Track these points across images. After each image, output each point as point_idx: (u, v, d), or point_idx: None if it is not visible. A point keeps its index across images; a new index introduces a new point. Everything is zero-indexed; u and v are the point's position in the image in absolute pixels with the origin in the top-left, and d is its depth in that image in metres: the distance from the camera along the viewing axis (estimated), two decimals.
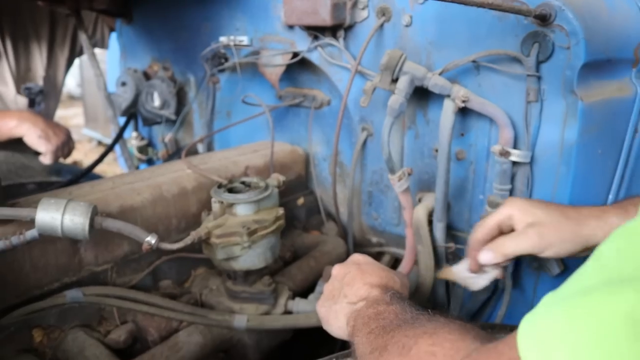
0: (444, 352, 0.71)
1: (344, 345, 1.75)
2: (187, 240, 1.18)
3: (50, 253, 1.23)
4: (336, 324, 1.06)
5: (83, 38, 1.98)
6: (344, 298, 1.05)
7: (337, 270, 1.15)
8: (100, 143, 7.27)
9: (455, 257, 1.56)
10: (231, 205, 1.25)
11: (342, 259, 1.66)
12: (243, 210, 1.25)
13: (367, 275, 1.07)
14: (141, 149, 2.28)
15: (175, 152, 2.14)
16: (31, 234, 1.10)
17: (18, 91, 2.32)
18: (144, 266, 1.40)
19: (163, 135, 2.09)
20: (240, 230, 1.20)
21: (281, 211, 1.30)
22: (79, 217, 1.09)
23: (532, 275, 1.46)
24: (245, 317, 1.24)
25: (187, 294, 1.41)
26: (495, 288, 1.52)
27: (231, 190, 1.30)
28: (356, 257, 1.19)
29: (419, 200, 1.54)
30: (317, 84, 1.82)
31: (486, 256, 1.13)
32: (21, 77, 2.34)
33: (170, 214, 1.44)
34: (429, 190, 1.57)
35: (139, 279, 1.35)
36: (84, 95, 7.22)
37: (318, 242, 1.68)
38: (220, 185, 1.30)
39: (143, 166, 2.35)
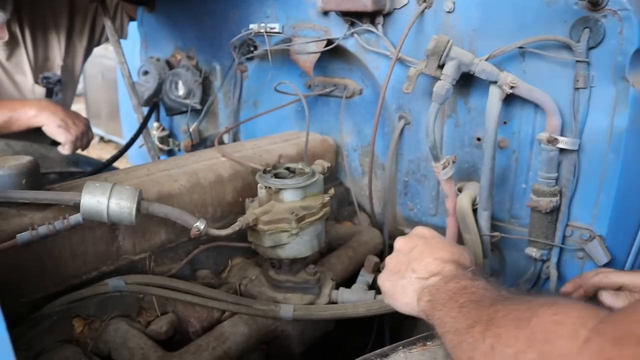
0: (572, 320, 0.65)
1: (378, 338, 1.72)
2: (235, 227, 1.14)
3: (89, 240, 1.19)
4: (403, 300, 1.01)
5: (108, 24, 1.93)
6: (413, 273, 1.01)
7: (401, 243, 1.10)
8: (102, 139, 7.21)
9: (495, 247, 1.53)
10: (278, 191, 1.21)
11: (379, 249, 1.63)
12: (290, 197, 1.21)
13: (437, 250, 1.02)
14: (162, 140, 2.24)
15: (199, 143, 2.09)
16: (75, 218, 1.06)
17: (36, 81, 2.27)
18: (181, 255, 1.36)
19: (188, 125, 2.05)
20: (289, 217, 1.16)
21: (327, 198, 1.26)
22: (126, 201, 1.05)
23: (577, 265, 1.43)
24: (291, 307, 1.20)
25: (226, 284, 1.37)
26: (537, 278, 1.49)
27: (277, 176, 1.26)
28: (421, 230, 1.13)
29: (459, 190, 1.51)
30: (348, 72, 1.79)
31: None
32: (39, 67, 2.30)
33: (206, 202, 1.40)
34: (469, 179, 1.54)
35: (178, 268, 1.31)
36: (86, 92, 7.16)
37: (353, 232, 1.64)
38: (265, 171, 1.26)
39: (164, 157, 2.30)
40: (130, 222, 1.06)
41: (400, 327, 1.78)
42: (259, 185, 1.22)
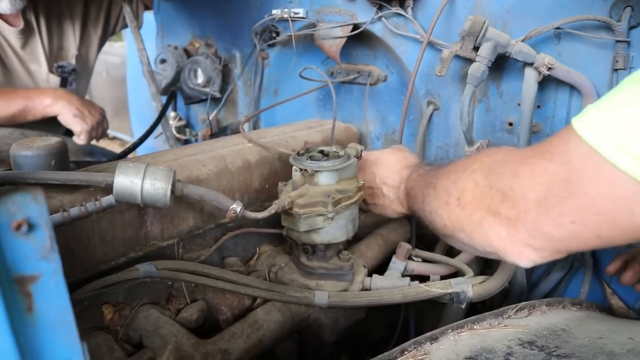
0: (508, 147, 0.95)
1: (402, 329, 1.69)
2: (272, 210, 1.10)
3: (118, 225, 1.15)
4: (391, 208, 1.33)
5: (127, 10, 1.90)
6: (387, 189, 1.32)
7: (370, 156, 1.38)
8: (107, 136, 7.17)
9: None
10: (313, 174, 1.17)
11: (407, 237, 1.60)
12: (325, 180, 1.18)
13: (390, 166, 1.32)
14: (179, 129, 2.20)
15: (218, 132, 2.06)
16: (108, 200, 1.02)
17: (50, 70, 2.24)
18: (209, 242, 1.33)
19: (207, 114, 2.01)
20: (325, 200, 1.13)
21: (362, 181, 1.22)
22: (161, 181, 1.02)
23: (611, 253, 1.39)
24: (325, 293, 1.16)
25: (254, 272, 1.33)
26: (570, 267, 1.46)
27: (310, 159, 1.22)
28: (368, 158, 1.37)
29: None
30: (372, 59, 1.76)
31: None
32: (54, 56, 2.27)
33: (234, 188, 1.37)
34: None
35: (207, 255, 1.28)
36: (90, 88, 7.12)
37: (380, 220, 1.60)
38: (299, 153, 1.22)
39: None
40: (164, 204, 1.02)
41: (424, 317, 1.75)
42: (293, 167, 1.18)
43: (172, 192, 1.03)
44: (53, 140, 1.10)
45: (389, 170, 1.31)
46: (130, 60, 3.97)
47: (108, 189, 1.03)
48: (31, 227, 0.45)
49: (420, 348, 0.88)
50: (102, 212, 1.03)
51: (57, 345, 0.49)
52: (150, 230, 1.21)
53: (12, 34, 2.12)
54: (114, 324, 1.13)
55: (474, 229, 0.95)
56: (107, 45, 5.43)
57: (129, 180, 1.01)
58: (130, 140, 5.94)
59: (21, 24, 2.12)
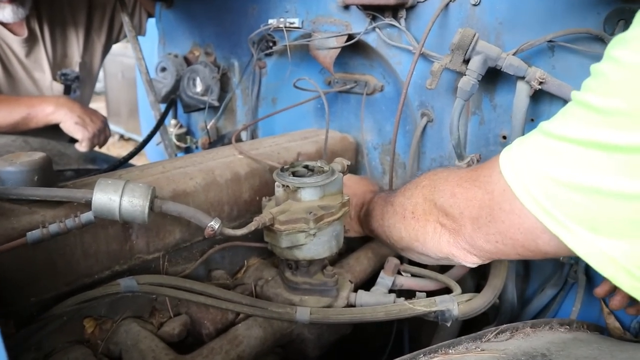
0: (453, 177, 1.04)
1: (396, 341, 1.68)
2: (251, 227, 1.10)
3: (102, 239, 1.15)
4: (351, 225, 1.44)
5: (126, 21, 1.91)
6: (350, 209, 1.39)
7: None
8: (122, 137, 7.24)
9: None
10: (295, 190, 1.16)
11: None
12: (308, 196, 1.17)
13: (355, 190, 1.48)
14: (179, 137, 2.21)
15: (217, 140, 2.06)
16: (87, 216, 1.03)
17: (54, 77, 2.26)
18: (196, 255, 1.33)
19: (205, 122, 2.02)
20: (307, 217, 1.12)
21: (347, 197, 1.21)
22: (138, 199, 1.02)
23: None
24: (308, 309, 1.15)
25: (241, 285, 1.33)
26: (564, 283, 1.43)
27: (294, 174, 1.21)
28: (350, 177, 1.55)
29: None
30: (369, 69, 1.74)
31: None
32: (57, 64, 2.29)
33: (222, 201, 1.36)
34: None
35: (192, 268, 1.28)
36: (106, 90, 7.19)
37: None
38: (282, 169, 1.21)
39: (181, 155, 2.27)
40: (142, 221, 1.02)
41: (420, 330, 1.73)
42: (276, 183, 1.18)
43: (151, 208, 1.03)
44: (37, 155, 1.10)
45: (353, 193, 1.45)
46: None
47: (88, 205, 1.03)
48: None
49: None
50: (82, 228, 1.03)
51: None
52: (135, 244, 1.21)
53: (16, 43, 2.14)
54: (94, 337, 1.13)
55: (427, 238, 1.09)
56: (123, 47, 5.47)
57: (107, 197, 1.01)
58: None
59: (25, 33, 2.14)
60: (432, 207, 1.06)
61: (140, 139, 6.13)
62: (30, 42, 2.18)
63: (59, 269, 1.10)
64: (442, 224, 1.04)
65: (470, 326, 1.38)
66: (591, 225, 0.74)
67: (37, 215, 1.06)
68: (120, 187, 1.01)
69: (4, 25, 2.10)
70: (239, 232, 1.08)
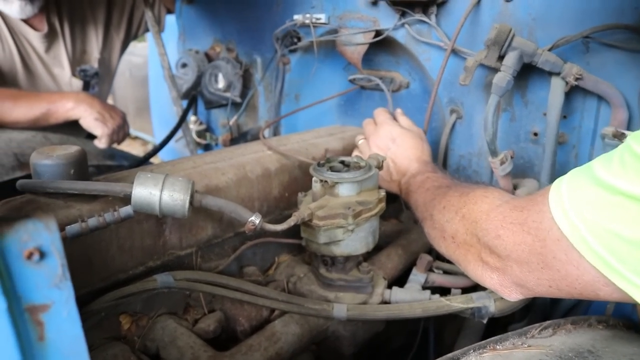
0: (494, 195, 1.01)
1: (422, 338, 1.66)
2: (291, 222, 1.09)
3: (137, 234, 1.14)
4: (386, 182, 1.43)
5: (148, 15, 1.90)
6: (393, 167, 1.41)
7: (374, 140, 1.46)
8: (129, 135, 7.22)
9: None
10: (333, 185, 1.15)
11: (428, 247, 1.57)
12: (346, 191, 1.16)
13: (406, 150, 1.40)
14: (200, 134, 2.20)
15: (239, 137, 2.05)
16: (126, 211, 1.01)
17: (73, 73, 2.25)
18: (228, 251, 1.32)
19: (228, 119, 2.01)
20: (345, 212, 1.11)
21: (383, 193, 1.20)
22: (179, 193, 1.01)
23: None
24: (344, 306, 1.14)
25: (273, 282, 1.32)
26: None
27: (331, 170, 1.20)
28: (388, 129, 1.45)
29: (514, 187, 1.44)
30: (395, 65, 1.73)
31: None
32: (77, 60, 2.28)
33: (253, 196, 1.35)
34: (524, 176, 1.47)
35: (226, 264, 1.27)
36: (114, 88, 7.18)
37: (400, 230, 1.59)
38: (319, 164, 1.20)
39: (200, 152, 2.27)
40: (182, 215, 1.01)
41: (444, 328, 1.72)
42: (313, 178, 1.16)
43: (191, 203, 1.02)
44: (72, 149, 1.09)
45: (403, 153, 1.40)
46: (152, 61, 3.99)
47: (126, 199, 1.02)
48: (43, 255, 0.44)
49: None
50: (120, 222, 1.02)
51: None
52: (168, 240, 1.20)
53: (36, 38, 2.13)
54: (131, 334, 1.12)
55: (468, 267, 1.04)
56: (131, 46, 5.47)
57: (147, 192, 1.00)
58: (152, 140, 5.99)
59: (45, 28, 2.13)
60: (475, 241, 1.00)
61: (149, 137, 6.14)
62: (50, 37, 2.17)
63: (95, 264, 1.09)
64: (484, 261, 0.98)
65: (493, 325, 1.36)
66: None
67: (73, 210, 1.04)
68: (160, 181, 1.00)
69: (25, 20, 2.09)
70: (279, 227, 1.07)
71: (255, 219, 1.03)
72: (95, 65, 2.33)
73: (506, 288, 0.97)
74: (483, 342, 0.92)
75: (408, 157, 1.39)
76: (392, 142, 1.42)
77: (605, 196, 0.73)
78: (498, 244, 0.93)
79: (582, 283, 0.80)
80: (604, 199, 0.73)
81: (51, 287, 0.45)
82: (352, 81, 1.79)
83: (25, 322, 0.44)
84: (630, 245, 0.71)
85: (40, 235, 0.44)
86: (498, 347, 0.93)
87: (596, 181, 0.75)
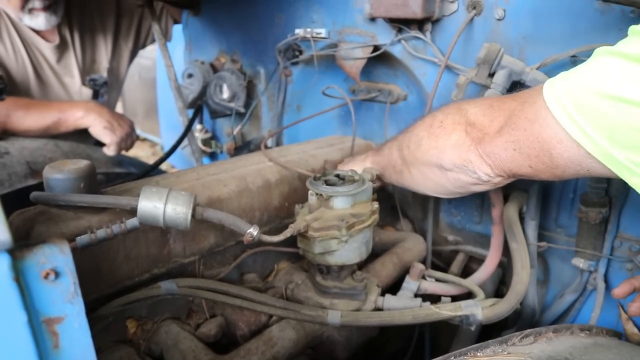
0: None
1: (417, 343, 1.72)
2: (287, 233, 1.15)
3: (142, 243, 1.21)
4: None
5: (155, 28, 1.97)
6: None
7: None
8: (138, 137, 7.29)
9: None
10: (328, 198, 1.22)
11: (423, 256, 1.63)
12: (340, 204, 1.22)
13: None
14: (205, 142, 2.27)
15: (242, 146, 2.12)
16: (132, 222, 1.08)
17: (83, 82, 2.33)
18: (229, 259, 1.38)
19: (232, 128, 2.07)
20: (339, 224, 1.17)
21: (376, 205, 1.27)
22: (182, 206, 1.07)
23: (625, 276, 1.41)
24: (338, 313, 1.21)
25: (272, 288, 1.38)
26: (583, 289, 1.48)
27: (326, 183, 1.27)
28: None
29: (505, 199, 1.50)
30: (393, 78, 1.79)
31: None
32: (86, 69, 2.36)
33: (254, 206, 1.42)
34: (515, 188, 1.53)
35: (227, 272, 1.33)
36: (123, 90, 7.25)
37: (396, 238, 1.65)
38: (315, 178, 1.27)
39: (206, 159, 2.33)
40: (185, 228, 1.08)
41: (439, 333, 1.78)
42: (309, 192, 1.23)
43: (193, 216, 1.09)
44: (82, 163, 1.16)
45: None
46: (160, 65, 4.05)
47: (132, 212, 1.09)
48: (57, 275, 0.51)
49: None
50: (127, 233, 1.09)
51: None
52: (172, 248, 1.27)
53: (48, 49, 2.21)
54: (137, 337, 1.19)
55: (447, 145, 1.13)
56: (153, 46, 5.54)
57: (152, 205, 1.06)
58: (159, 142, 6.07)
59: (57, 40, 2.21)
60: (463, 117, 1.12)
61: (157, 139, 6.22)
62: (61, 48, 2.25)
63: (103, 271, 1.16)
64: (467, 132, 1.09)
65: (489, 330, 1.42)
66: (610, 135, 0.82)
67: (83, 221, 1.11)
68: (164, 195, 1.07)
69: (37, 32, 2.17)
70: (276, 238, 1.14)
71: (253, 231, 1.10)
72: (105, 74, 2.40)
73: (477, 157, 1.07)
74: (464, 349, 0.98)
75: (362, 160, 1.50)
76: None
77: (591, 61, 0.87)
78: (487, 112, 1.07)
79: (541, 141, 0.92)
80: (590, 63, 0.87)
81: (65, 302, 0.52)
82: (352, 92, 1.86)
83: (43, 333, 0.51)
84: (594, 96, 0.81)
85: (55, 257, 0.50)
86: (479, 354, 0.99)
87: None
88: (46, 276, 0.48)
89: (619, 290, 1.30)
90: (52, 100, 2.27)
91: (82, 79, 2.33)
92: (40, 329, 0.50)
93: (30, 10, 2.06)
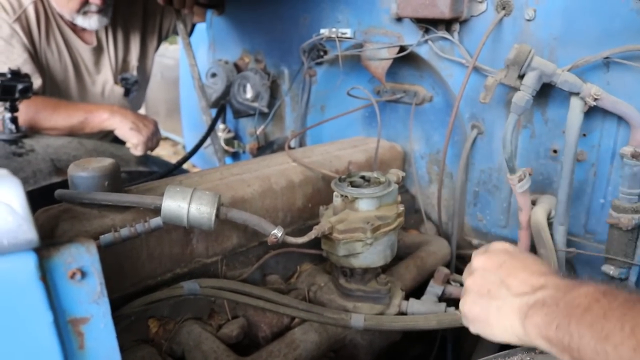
0: None
1: (440, 347, 1.70)
2: (311, 235, 1.14)
3: (165, 243, 1.21)
4: (501, 323, 0.88)
5: (180, 28, 1.99)
6: (508, 291, 0.88)
7: (483, 260, 0.97)
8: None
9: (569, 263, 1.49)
10: (353, 200, 1.20)
11: (447, 260, 1.61)
12: (366, 206, 1.21)
13: (530, 263, 0.92)
14: (228, 142, 2.27)
15: (265, 146, 2.11)
16: (156, 222, 1.08)
17: (115, 81, 2.39)
18: (252, 259, 1.37)
19: (255, 128, 2.07)
20: (364, 226, 1.16)
21: (401, 208, 1.25)
22: (206, 206, 1.06)
23: None
24: (362, 316, 1.19)
25: (295, 290, 1.37)
26: None
27: (351, 185, 1.25)
28: (502, 245, 1.00)
29: (533, 203, 1.47)
30: (419, 79, 1.77)
31: None
32: (118, 69, 2.43)
33: (277, 207, 1.41)
34: (543, 192, 1.50)
35: (249, 272, 1.32)
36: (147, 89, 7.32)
37: (420, 241, 1.63)
38: (340, 179, 1.25)
39: (228, 159, 2.33)
40: (209, 228, 1.07)
41: (462, 338, 1.75)
42: (334, 193, 1.21)
43: (217, 216, 1.08)
44: (106, 161, 1.15)
45: (527, 262, 0.93)
46: (183, 64, 4.07)
47: (156, 211, 1.08)
48: (84, 275, 0.50)
49: None
50: (150, 232, 1.08)
51: None
52: (195, 248, 1.27)
53: (86, 51, 2.31)
54: (158, 337, 1.18)
55: None
56: (162, 48, 5.58)
57: (176, 204, 1.06)
58: (181, 141, 6.10)
59: (94, 42, 2.31)
60: None
61: (179, 138, 6.26)
62: (98, 50, 2.34)
63: (126, 270, 1.15)
64: None
65: None
66: None
67: (107, 219, 1.11)
68: (188, 195, 1.06)
69: (78, 35, 2.23)
70: (300, 240, 1.13)
71: (278, 232, 1.09)
72: (135, 73, 2.46)
73: None
74: (491, 356, 0.96)
75: (537, 270, 0.90)
76: (508, 255, 0.96)
77: None
78: None
79: None
80: None
81: (91, 303, 0.51)
82: (377, 93, 1.84)
83: (69, 333, 0.50)
84: None
85: (82, 257, 0.50)
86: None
87: None
88: (72, 276, 0.48)
89: None
90: (88, 98, 2.36)
91: (114, 78, 2.40)
92: (66, 329, 0.49)
93: (85, 13, 2.15)
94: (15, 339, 0.46)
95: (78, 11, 2.14)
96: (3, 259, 0.46)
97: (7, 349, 0.47)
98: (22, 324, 0.47)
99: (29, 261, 0.46)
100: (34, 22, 2.14)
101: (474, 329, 0.94)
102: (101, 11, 2.16)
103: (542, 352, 1.00)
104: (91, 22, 2.17)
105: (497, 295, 0.89)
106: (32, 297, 0.46)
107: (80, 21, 2.18)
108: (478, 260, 0.98)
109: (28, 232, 0.45)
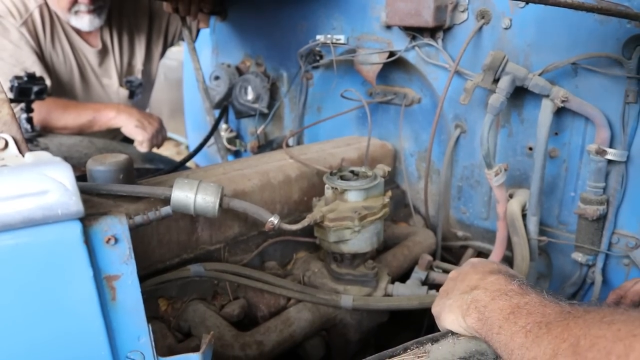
0: None
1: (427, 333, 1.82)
2: (305, 223, 1.27)
3: (173, 231, 1.33)
4: (449, 318, 0.99)
5: (186, 34, 2.11)
6: (456, 291, 1.02)
7: (452, 274, 1.13)
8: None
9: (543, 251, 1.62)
10: (343, 191, 1.33)
11: (432, 249, 1.74)
12: (354, 197, 1.34)
13: (480, 267, 1.04)
14: (230, 141, 2.40)
15: (265, 145, 2.24)
16: (166, 210, 1.20)
17: (120, 84, 2.50)
18: (252, 247, 1.50)
19: (255, 128, 2.20)
20: (352, 215, 1.29)
21: (387, 199, 1.38)
22: (210, 196, 1.19)
23: (622, 271, 1.50)
24: (351, 297, 1.32)
25: (291, 275, 1.50)
26: (582, 282, 1.57)
27: (342, 178, 1.38)
28: (471, 260, 1.15)
29: (510, 196, 1.60)
30: (408, 82, 1.90)
31: None
32: (123, 72, 2.53)
33: (275, 200, 1.54)
34: (519, 186, 1.63)
35: (249, 258, 1.45)
36: None
37: (408, 232, 1.76)
38: (332, 173, 1.38)
39: (230, 157, 2.46)
40: (213, 215, 1.20)
41: None
42: (326, 185, 1.35)
43: (220, 205, 1.21)
44: (121, 157, 1.28)
45: (478, 267, 1.06)
46: (187, 66, 4.19)
47: (166, 201, 1.21)
48: (116, 240, 0.63)
49: (421, 347, 1.00)
50: (161, 220, 1.21)
51: (132, 326, 0.67)
52: (200, 236, 1.40)
53: (91, 54, 2.42)
54: (167, 315, 1.31)
55: None
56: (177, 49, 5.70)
57: (184, 195, 1.18)
58: (184, 141, 6.22)
59: (99, 45, 2.41)
60: None
61: (182, 139, 6.38)
62: (103, 53, 2.44)
63: (138, 255, 1.26)
64: None
65: None
66: None
67: (121, 208, 1.23)
68: (195, 186, 1.19)
69: (82, 37, 2.34)
70: (294, 227, 1.26)
71: (274, 220, 1.22)
72: (139, 76, 2.57)
73: None
74: (431, 335, 1.03)
75: (481, 271, 1.02)
76: (470, 265, 1.11)
77: None
78: None
79: None
80: None
81: (121, 263, 0.64)
82: (370, 95, 1.97)
83: (104, 287, 0.63)
84: None
85: (115, 226, 0.63)
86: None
87: None
88: (108, 241, 0.61)
89: (609, 302, 1.27)
90: (93, 100, 2.47)
91: (119, 80, 2.51)
92: (102, 284, 0.62)
93: (76, 13, 2.24)
94: (63, 290, 0.59)
95: (69, 10, 2.22)
96: (57, 225, 0.59)
97: (57, 298, 0.60)
98: (70, 277, 0.60)
99: (76, 228, 0.59)
100: (40, 25, 2.24)
101: (437, 324, 1.07)
102: (92, 12, 2.25)
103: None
104: (83, 22, 2.26)
105: (450, 295, 1.04)
106: (77, 256, 0.59)
107: (74, 21, 2.27)
108: (451, 274, 1.14)
109: (76, 204, 0.58)
